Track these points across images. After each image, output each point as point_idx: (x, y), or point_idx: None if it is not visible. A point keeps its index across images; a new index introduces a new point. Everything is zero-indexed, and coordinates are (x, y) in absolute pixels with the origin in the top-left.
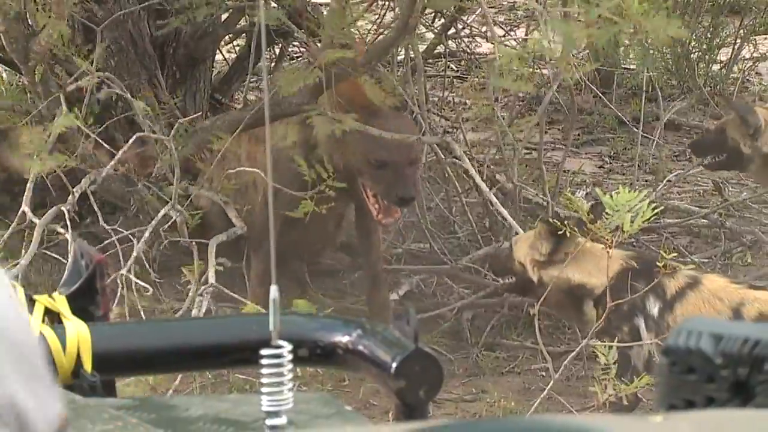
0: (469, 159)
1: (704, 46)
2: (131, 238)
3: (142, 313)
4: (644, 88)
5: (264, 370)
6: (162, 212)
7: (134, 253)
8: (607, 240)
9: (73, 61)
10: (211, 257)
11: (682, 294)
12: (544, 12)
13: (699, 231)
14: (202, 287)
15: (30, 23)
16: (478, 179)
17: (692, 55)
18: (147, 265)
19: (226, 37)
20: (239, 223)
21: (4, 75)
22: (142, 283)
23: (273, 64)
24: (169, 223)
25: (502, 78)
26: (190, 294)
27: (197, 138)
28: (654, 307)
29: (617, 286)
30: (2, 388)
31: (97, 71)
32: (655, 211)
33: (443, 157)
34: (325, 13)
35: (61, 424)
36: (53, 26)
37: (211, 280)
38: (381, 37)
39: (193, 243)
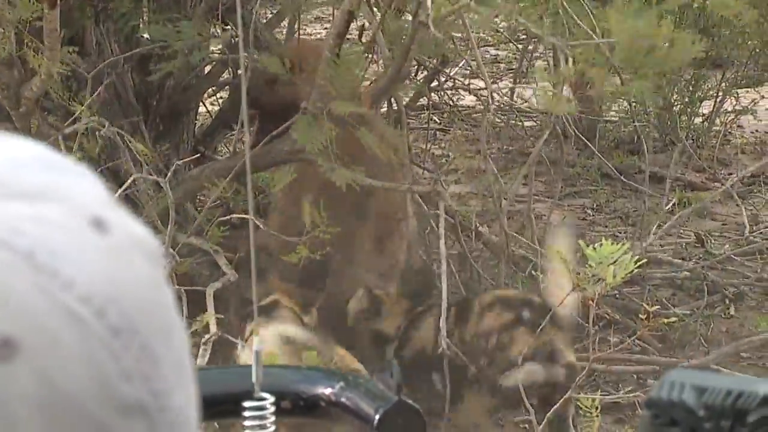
0: (452, 211)
1: (686, 99)
2: None
3: None
4: (626, 141)
5: (247, 422)
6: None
7: None
8: (590, 293)
9: (64, 107)
10: (210, 305)
11: (482, 313)
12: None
13: (682, 283)
14: (206, 336)
15: (22, 70)
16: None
17: (674, 108)
18: None
19: (210, 90)
20: (230, 271)
21: None
22: None
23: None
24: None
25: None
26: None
27: (186, 186)
28: None
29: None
30: (169, 400)
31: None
32: (639, 263)
33: (427, 209)
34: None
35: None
36: (46, 70)
37: (213, 328)
38: (371, 85)
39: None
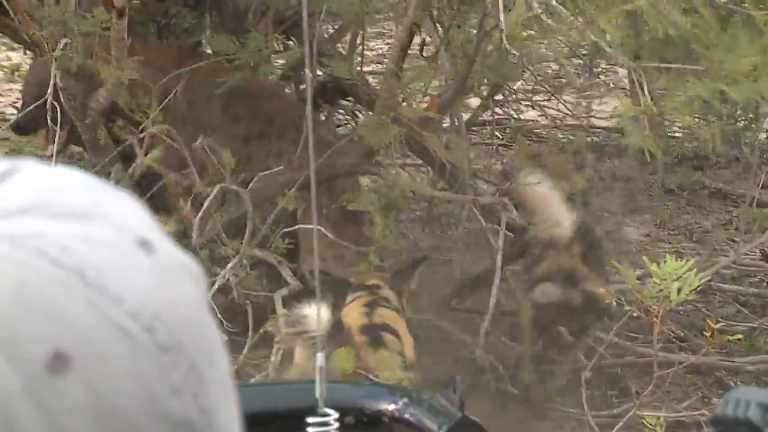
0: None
1: (750, 115)
2: None
3: None
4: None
5: None
6: (229, 266)
7: None
8: (653, 309)
9: (131, 116)
10: (279, 309)
11: None
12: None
13: (747, 300)
14: (276, 339)
15: (88, 80)
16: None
17: (738, 124)
18: None
19: None
20: (294, 282)
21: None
22: None
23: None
24: (227, 278)
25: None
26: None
27: (251, 196)
28: None
29: None
30: (215, 417)
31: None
32: (702, 280)
33: (484, 223)
34: (373, 80)
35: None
36: (114, 79)
37: (283, 330)
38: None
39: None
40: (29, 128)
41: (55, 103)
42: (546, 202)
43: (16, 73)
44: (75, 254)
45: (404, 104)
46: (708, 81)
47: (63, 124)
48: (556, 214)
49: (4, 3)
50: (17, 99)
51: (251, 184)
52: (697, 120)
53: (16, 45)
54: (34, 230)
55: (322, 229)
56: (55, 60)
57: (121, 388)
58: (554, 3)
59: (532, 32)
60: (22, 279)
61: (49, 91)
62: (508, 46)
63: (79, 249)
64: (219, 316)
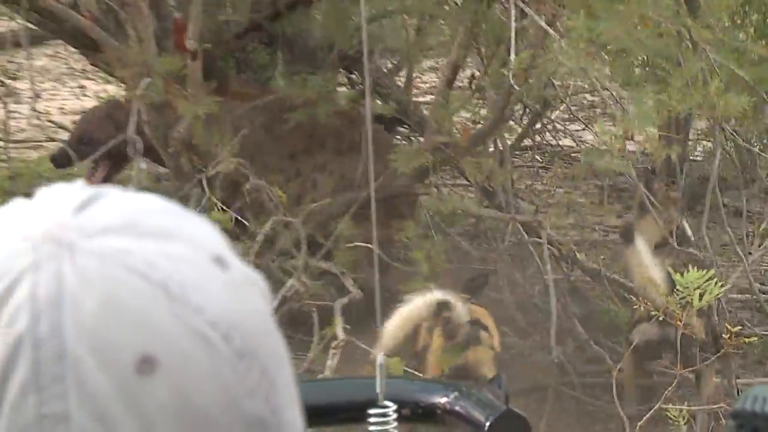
0: (552, 240)
1: (765, 141)
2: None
3: None
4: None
5: (372, 428)
6: (292, 279)
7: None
8: (678, 314)
9: (206, 148)
10: (338, 316)
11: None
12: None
13: (760, 306)
14: (333, 343)
15: (170, 113)
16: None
17: (754, 147)
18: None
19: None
20: (355, 290)
21: (143, 165)
22: None
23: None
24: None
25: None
26: (331, 347)
27: (317, 216)
28: None
29: None
30: (284, 416)
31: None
32: (723, 288)
33: (527, 237)
34: (424, 111)
35: None
36: (191, 115)
37: (340, 335)
38: (478, 126)
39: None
40: (65, 162)
41: (135, 137)
42: (642, 267)
43: None
44: (160, 270)
45: (452, 132)
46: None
47: (104, 160)
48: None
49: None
50: None
51: (301, 217)
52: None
53: (111, 78)
54: (122, 248)
55: (380, 252)
56: (139, 97)
57: (202, 389)
58: (564, 45)
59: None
60: (112, 291)
61: (131, 125)
62: (512, 81)
63: (163, 265)
64: (286, 321)
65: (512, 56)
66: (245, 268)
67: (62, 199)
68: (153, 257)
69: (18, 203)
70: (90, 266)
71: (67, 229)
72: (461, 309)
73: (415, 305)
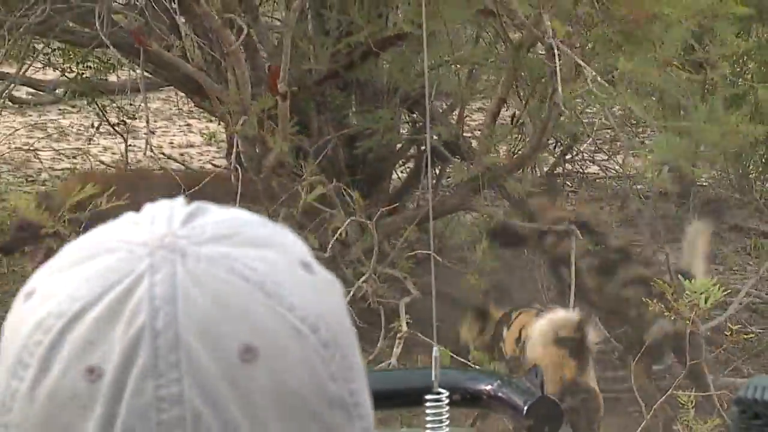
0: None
1: (760, 168)
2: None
3: None
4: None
5: (427, 411)
6: (361, 279)
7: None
8: (687, 314)
9: (294, 172)
10: (402, 312)
11: (510, 325)
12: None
13: (757, 307)
14: (398, 334)
15: (262, 146)
16: None
17: (750, 175)
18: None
19: (400, 161)
20: (415, 292)
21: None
22: None
23: (434, 181)
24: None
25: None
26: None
27: (383, 230)
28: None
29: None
30: (360, 398)
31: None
32: (724, 293)
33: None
34: (473, 142)
35: None
36: (280, 146)
37: (404, 328)
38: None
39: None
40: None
41: (238, 166)
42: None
43: (212, 139)
44: (258, 272)
45: (493, 158)
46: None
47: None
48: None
49: (203, 87)
50: (213, 158)
51: (375, 219)
52: (720, 173)
53: (212, 118)
54: (226, 254)
55: (437, 256)
56: (236, 131)
57: (295, 374)
58: (600, 80)
59: (589, 105)
60: (219, 290)
61: (232, 156)
62: (563, 106)
63: (261, 268)
64: (356, 317)
65: (559, 90)
66: (326, 272)
67: (170, 212)
68: (252, 262)
69: (130, 215)
70: (199, 269)
71: (179, 238)
72: (592, 334)
73: (558, 319)
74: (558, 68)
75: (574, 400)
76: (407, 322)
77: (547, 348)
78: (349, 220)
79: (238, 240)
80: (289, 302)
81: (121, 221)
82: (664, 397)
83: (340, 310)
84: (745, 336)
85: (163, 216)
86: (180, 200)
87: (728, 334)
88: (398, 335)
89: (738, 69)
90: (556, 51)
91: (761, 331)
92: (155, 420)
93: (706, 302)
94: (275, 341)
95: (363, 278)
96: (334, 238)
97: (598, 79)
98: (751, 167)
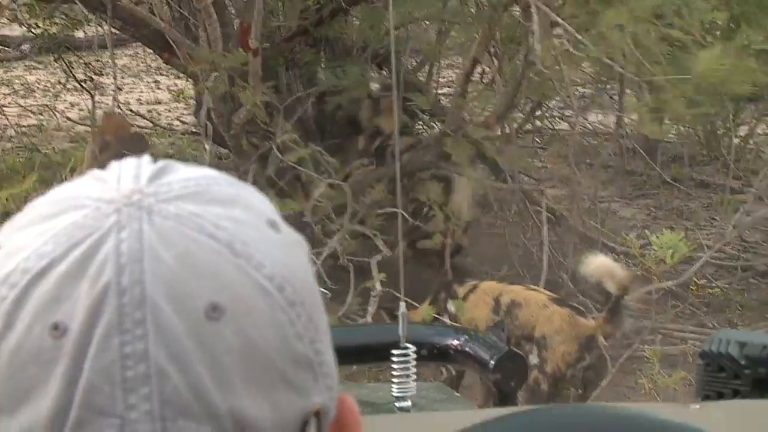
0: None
1: (727, 125)
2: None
3: None
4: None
5: (395, 366)
6: (335, 238)
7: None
8: (653, 269)
9: (265, 129)
10: (375, 271)
11: (466, 297)
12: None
13: (722, 263)
14: (372, 292)
15: (232, 103)
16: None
17: (718, 132)
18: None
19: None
20: (385, 249)
21: (207, 146)
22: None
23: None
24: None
25: None
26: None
27: (354, 187)
28: (452, 307)
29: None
30: (227, 400)
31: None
32: (690, 248)
33: (528, 205)
34: (445, 100)
35: (308, 414)
36: (251, 102)
37: (378, 287)
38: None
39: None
40: None
41: (208, 123)
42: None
43: (181, 95)
44: (226, 231)
45: (469, 121)
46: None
47: None
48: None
49: (173, 45)
50: (181, 115)
51: (349, 180)
52: (687, 128)
53: (181, 74)
54: (193, 212)
55: (405, 214)
56: (207, 88)
57: (262, 333)
58: (578, 37)
59: (562, 63)
60: (186, 248)
61: (203, 111)
62: (541, 65)
63: (228, 227)
64: (326, 275)
65: (537, 48)
66: (292, 230)
67: (136, 170)
68: (219, 220)
69: (96, 172)
70: (166, 226)
71: (146, 195)
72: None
73: (615, 266)
74: (535, 26)
75: (592, 357)
76: (381, 281)
77: (553, 308)
78: (325, 182)
79: (205, 198)
80: (257, 261)
81: (86, 179)
82: (629, 352)
83: (306, 270)
84: (711, 291)
85: (130, 173)
86: (147, 158)
87: (693, 288)
88: (372, 293)
89: (708, 26)
90: (533, 10)
91: (726, 286)
92: (120, 377)
93: (672, 258)
94: (242, 300)
95: (336, 236)
96: (312, 202)
97: (576, 36)
98: (719, 124)
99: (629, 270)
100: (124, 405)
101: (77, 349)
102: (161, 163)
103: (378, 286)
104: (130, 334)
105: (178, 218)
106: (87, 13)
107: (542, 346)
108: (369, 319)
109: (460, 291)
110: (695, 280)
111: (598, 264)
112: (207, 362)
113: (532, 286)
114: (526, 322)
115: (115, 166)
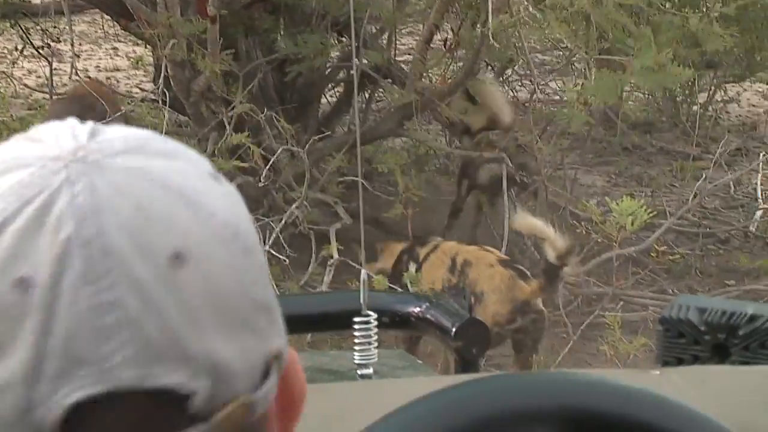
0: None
1: (686, 92)
2: (271, 225)
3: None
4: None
5: (356, 333)
6: (294, 206)
7: (272, 236)
8: (614, 236)
9: (224, 97)
10: (333, 239)
11: (426, 257)
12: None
13: (683, 230)
14: (329, 261)
15: (191, 70)
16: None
17: (677, 98)
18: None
19: (330, 86)
20: (345, 216)
21: (165, 113)
22: (281, 256)
23: (364, 105)
24: (293, 217)
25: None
26: (329, 265)
27: (313, 156)
28: (412, 268)
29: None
30: (200, 343)
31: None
32: (651, 214)
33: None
34: (404, 67)
35: (271, 360)
36: (209, 69)
37: (335, 255)
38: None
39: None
40: None
41: (166, 90)
42: (492, 96)
43: (139, 63)
44: (175, 182)
45: (429, 88)
46: (624, 73)
47: None
48: (500, 106)
49: (130, 9)
50: (140, 82)
51: (307, 146)
52: (647, 95)
53: (139, 41)
54: (141, 165)
55: (365, 182)
56: (165, 55)
57: (224, 279)
58: (531, 10)
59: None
60: (142, 199)
61: (160, 79)
62: (492, 39)
63: (176, 179)
64: (287, 243)
65: (490, 19)
66: (229, 184)
67: (71, 130)
68: (166, 172)
69: (24, 134)
70: (119, 179)
71: (91, 152)
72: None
73: (547, 228)
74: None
75: (524, 320)
76: (338, 249)
77: (497, 269)
78: (280, 150)
79: (148, 152)
80: (209, 210)
81: (17, 140)
82: (590, 319)
83: (250, 220)
84: (671, 257)
85: (67, 133)
86: (73, 120)
87: (654, 255)
88: (329, 262)
89: None
90: None
91: (687, 252)
92: (96, 325)
93: (632, 224)
94: (203, 247)
95: (295, 204)
96: (267, 167)
97: (530, 9)
98: (677, 90)
99: (567, 239)
100: (103, 353)
101: (46, 302)
102: (89, 124)
103: (335, 255)
104: (100, 284)
105: (127, 171)
106: None
107: (478, 302)
108: (324, 288)
109: (422, 252)
110: (656, 246)
111: (526, 224)
112: (178, 307)
113: (487, 247)
114: (474, 280)
115: (41, 128)
